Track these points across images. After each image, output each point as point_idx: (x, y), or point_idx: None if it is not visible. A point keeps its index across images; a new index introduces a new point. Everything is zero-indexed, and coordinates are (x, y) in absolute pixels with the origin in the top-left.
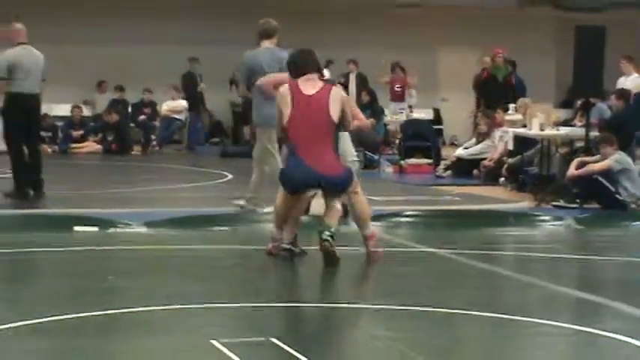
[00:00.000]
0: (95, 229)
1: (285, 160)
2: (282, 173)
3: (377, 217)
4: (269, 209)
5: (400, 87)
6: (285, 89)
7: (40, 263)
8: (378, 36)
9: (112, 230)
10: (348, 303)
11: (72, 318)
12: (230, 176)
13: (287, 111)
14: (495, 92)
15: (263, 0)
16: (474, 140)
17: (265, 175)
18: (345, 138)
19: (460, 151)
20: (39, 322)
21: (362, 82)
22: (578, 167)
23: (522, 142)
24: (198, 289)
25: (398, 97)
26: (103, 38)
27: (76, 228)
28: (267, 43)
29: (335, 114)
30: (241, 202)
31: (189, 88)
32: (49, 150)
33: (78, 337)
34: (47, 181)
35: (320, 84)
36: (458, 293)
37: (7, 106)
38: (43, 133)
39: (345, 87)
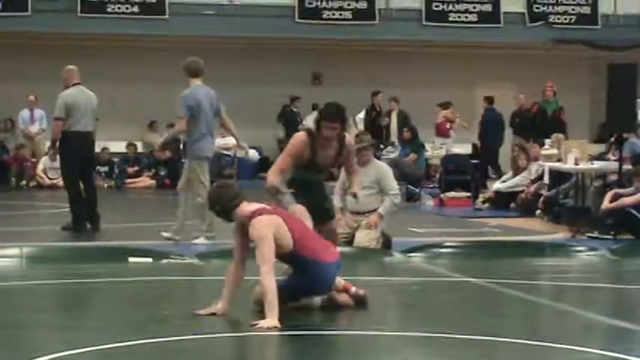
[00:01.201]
0: (149, 260)
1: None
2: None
3: (418, 248)
4: (199, 240)
5: (450, 125)
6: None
7: (96, 293)
8: (418, 74)
9: (164, 262)
10: (390, 331)
11: (125, 346)
12: None
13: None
14: (544, 126)
15: (311, 43)
16: (510, 174)
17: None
18: (388, 172)
19: (498, 185)
20: (96, 350)
21: (403, 120)
22: (612, 200)
23: (558, 176)
24: (248, 317)
25: (444, 133)
26: (157, 78)
27: (131, 259)
28: (197, 81)
29: None
30: (168, 234)
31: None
32: (105, 185)
33: None
34: (103, 214)
35: None
36: (496, 321)
37: (64, 145)
38: (100, 168)
39: (387, 124)
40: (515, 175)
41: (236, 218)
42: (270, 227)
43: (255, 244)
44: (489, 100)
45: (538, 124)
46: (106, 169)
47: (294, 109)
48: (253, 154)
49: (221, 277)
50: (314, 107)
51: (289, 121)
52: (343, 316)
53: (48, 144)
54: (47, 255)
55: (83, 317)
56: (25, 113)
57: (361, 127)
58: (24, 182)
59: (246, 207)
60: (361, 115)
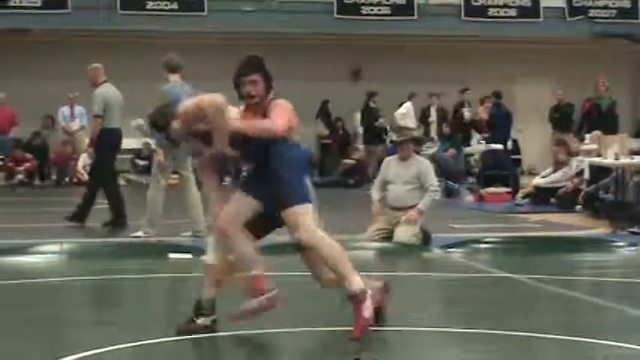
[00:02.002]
0: (189, 256)
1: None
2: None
3: (458, 244)
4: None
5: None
6: None
7: (136, 289)
8: (455, 70)
9: (204, 257)
10: (430, 326)
11: (164, 342)
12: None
13: None
14: (598, 122)
15: (350, 39)
16: (551, 169)
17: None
18: (428, 168)
19: (538, 180)
20: (135, 346)
21: (442, 115)
22: None
23: (598, 171)
24: (284, 314)
25: (481, 129)
26: (197, 75)
27: (171, 255)
28: (175, 77)
29: None
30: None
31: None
32: (144, 181)
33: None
34: (142, 209)
35: None
36: (537, 317)
37: (101, 141)
38: (139, 162)
39: (427, 119)
40: (555, 170)
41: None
42: None
43: None
44: (497, 95)
45: (593, 120)
46: (146, 162)
47: (372, 105)
48: None
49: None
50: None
51: (367, 115)
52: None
53: (87, 141)
54: (87, 251)
55: (123, 313)
56: (65, 110)
57: (409, 122)
58: (67, 179)
59: None
60: (401, 110)
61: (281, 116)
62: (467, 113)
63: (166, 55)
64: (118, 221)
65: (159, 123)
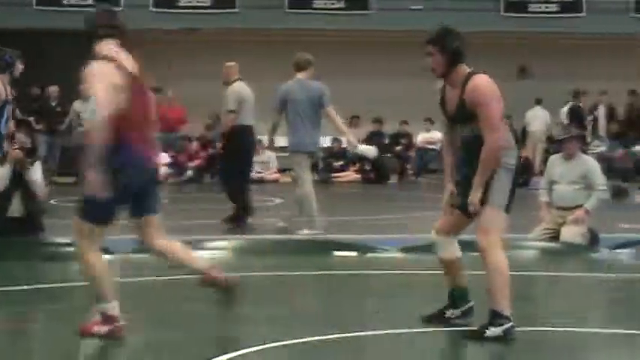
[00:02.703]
0: (354, 254)
1: None
2: None
3: (626, 244)
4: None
5: None
6: None
7: (302, 286)
8: (626, 67)
9: (369, 255)
10: (593, 328)
11: (328, 339)
12: None
13: None
14: None
15: (513, 37)
16: None
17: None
18: (595, 167)
19: None
20: (302, 342)
21: (611, 113)
22: None
23: None
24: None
25: None
26: (360, 73)
27: (337, 253)
28: (300, 75)
29: None
30: (306, 231)
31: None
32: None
33: (338, 356)
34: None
35: None
36: None
37: (232, 138)
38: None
39: (595, 118)
40: None
41: None
42: None
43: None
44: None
45: None
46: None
47: (580, 105)
48: (368, 150)
49: (424, 271)
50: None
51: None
52: (545, 312)
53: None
54: (254, 248)
55: (289, 310)
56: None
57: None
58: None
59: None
60: (566, 109)
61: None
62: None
63: (298, 54)
64: (236, 220)
65: None
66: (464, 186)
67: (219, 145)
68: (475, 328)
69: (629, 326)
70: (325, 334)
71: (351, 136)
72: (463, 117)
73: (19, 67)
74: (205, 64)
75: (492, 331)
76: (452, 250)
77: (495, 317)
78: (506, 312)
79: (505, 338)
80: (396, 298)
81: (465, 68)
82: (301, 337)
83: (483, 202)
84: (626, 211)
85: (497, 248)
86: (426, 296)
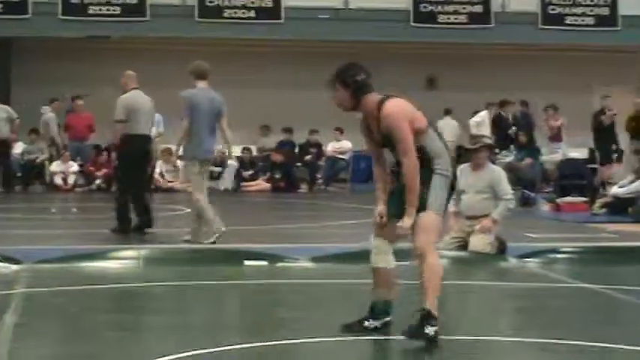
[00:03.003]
0: (264, 263)
1: None
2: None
3: (534, 254)
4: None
5: (557, 128)
6: None
7: (212, 295)
8: (533, 77)
9: (280, 265)
10: (502, 336)
11: (239, 349)
12: None
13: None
14: None
15: (426, 47)
16: (628, 179)
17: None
18: (502, 176)
19: (616, 190)
20: (210, 352)
21: (518, 124)
22: None
23: None
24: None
25: (555, 137)
26: (270, 82)
27: (246, 262)
28: (201, 84)
29: None
30: (187, 237)
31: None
32: (222, 188)
33: None
34: (221, 217)
35: None
36: (612, 328)
37: (123, 147)
38: (215, 169)
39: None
40: (635, 180)
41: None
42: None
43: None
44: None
45: None
46: (219, 169)
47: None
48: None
49: (335, 280)
50: (447, 112)
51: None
52: (454, 321)
53: (163, 147)
54: (164, 257)
55: (198, 319)
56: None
57: (483, 131)
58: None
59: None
60: (476, 118)
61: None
62: (607, 119)
63: (194, 62)
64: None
65: None
66: (399, 194)
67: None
68: (412, 326)
69: (536, 334)
70: (237, 344)
71: (231, 149)
72: (390, 143)
73: None
74: (114, 72)
75: (430, 330)
76: (386, 260)
77: (430, 317)
78: (435, 312)
79: (435, 340)
80: (307, 308)
81: (374, 97)
82: (212, 347)
83: (421, 207)
84: (533, 220)
85: (434, 251)
86: (336, 306)
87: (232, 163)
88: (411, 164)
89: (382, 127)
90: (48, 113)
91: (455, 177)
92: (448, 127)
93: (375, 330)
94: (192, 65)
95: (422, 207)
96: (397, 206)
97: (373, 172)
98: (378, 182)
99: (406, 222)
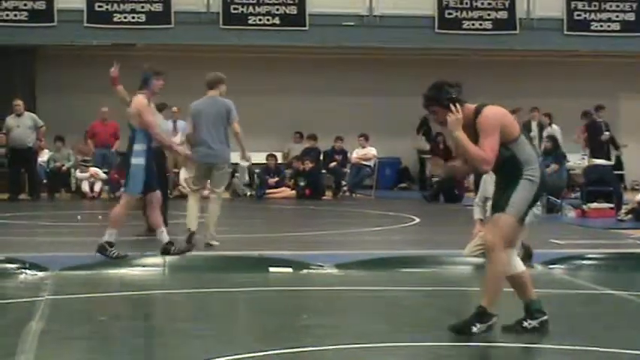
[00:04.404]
0: (289, 270)
1: None
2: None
3: (559, 260)
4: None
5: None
6: None
7: (237, 303)
8: (558, 83)
9: (304, 272)
10: (527, 343)
11: (264, 355)
12: (417, 220)
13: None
14: None
15: (451, 53)
16: None
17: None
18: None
19: None
20: (235, 359)
21: (543, 130)
22: None
23: None
24: (385, 328)
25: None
26: (296, 89)
27: (271, 269)
28: (211, 93)
29: None
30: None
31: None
32: (248, 193)
33: None
34: (244, 224)
35: None
36: (637, 334)
37: None
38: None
39: (529, 133)
40: None
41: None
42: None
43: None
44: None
45: None
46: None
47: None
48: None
49: (360, 287)
50: None
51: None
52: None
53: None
54: (189, 265)
55: (223, 326)
56: (168, 124)
57: None
58: (168, 192)
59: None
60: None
61: (491, 148)
62: (606, 134)
63: (211, 73)
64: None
65: None
66: (501, 192)
67: None
68: (462, 321)
69: (562, 341)
70: (262, 350)
71: (246, 153)
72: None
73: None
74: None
75: (479, 328)
76: (512, 267)
77: (484, 315)
78: (493, 310)
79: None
80: (331, 315)
81: (470, 107)
82: (237, 354)
83: (502, 207)
84: (559, 226)
85: (502, 251)
86: (362, 312)
87: (243, 164)
88: (480, 160)
89: (478, 130)
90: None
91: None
92: None
93: (535, 329)
94: (206, 76)
95: (502, 207)
96: (500, 200)
97: None
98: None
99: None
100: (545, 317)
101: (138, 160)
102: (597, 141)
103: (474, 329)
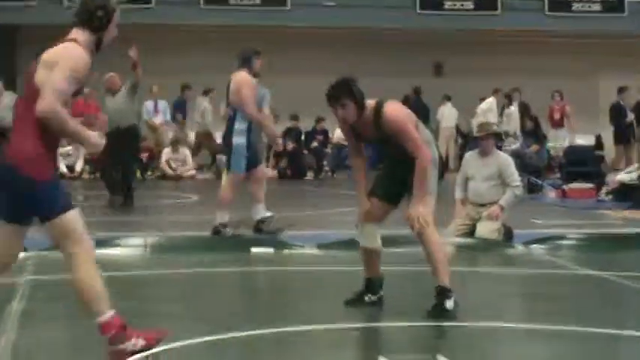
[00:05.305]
0: (271, 250)
1: None
2: None
3: (540, 240)
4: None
5: (560, 114)
6: None
7: (218, 283)
8: (539, 64)
9: (286, 252)
10: (507, 322)
11: (245, 335)
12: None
13: None
14: None
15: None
16: (635, 165)
17: None
18: (509, 163)
19: (622, 176)
20: (215, 339)
21: (524, 110)
22: None
23: None
24: (368, 309)
25: (557, 124)
26: (278, 70)
27: (253, 249)
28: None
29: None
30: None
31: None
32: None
33: (251, 353)
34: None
35: None
36: (620, 314)
37: None
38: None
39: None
40: None
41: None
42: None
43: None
44: (416, 90)
45: None
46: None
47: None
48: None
49: (341, 267)
50: (447, 98)
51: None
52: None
53: (171, 135)
54: (170, 245)
55: (204, 306)
56: (149, 104)
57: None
58: (149, 173)
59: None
60: (483, 105)
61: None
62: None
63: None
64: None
65: None
66: (388, 178)
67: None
68: (434, 305)
69: (543, 321)
70: (245, 330)
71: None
72: (388, 140)
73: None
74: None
75: (449, 304)
76: (375, 240)
77: (445, 291)
78: (449, 285)
79: (457, 306)
80: (313, 295)
81: (370, 104)
82: (220, 334)
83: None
84: (540, 206)
85: (434, 228)
86: (344, 292)
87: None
88: (425, 157)
89: (385, 129)
90: (204, 104)
91: (442, 161)
92: (448, 113)
93: (373, 304)
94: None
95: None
96: (386, 188)
97: (352, 166)
98: (358, 178)
99: (419, 209)
100: (382, 293)
101: (240, 140)
102: (623, 124)
103: (448, 305)
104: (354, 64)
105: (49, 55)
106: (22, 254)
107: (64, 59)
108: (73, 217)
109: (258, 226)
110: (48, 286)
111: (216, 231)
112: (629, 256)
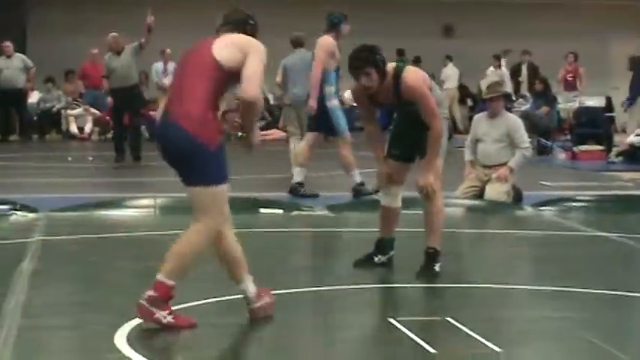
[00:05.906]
0: (280, 211)
1: None
2: None
3: (550, 202)
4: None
5: (572, 76)
6: None
7: None
8: (550, 25)
9: (295, 213)
10: (518, 284)
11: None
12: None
13: None
14: None
15: None
16: None
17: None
18: (519, 125)
19: (632, 138)
20: (225, 300)
21: (533, 72)
22: None
23: None
24: (378, 269)
25: (569, 86)
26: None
27: (262, 210)
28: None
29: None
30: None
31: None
32: (239, 135)
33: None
34: (234, 166)
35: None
36: (628, 276)
37: None
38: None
39: (518, 76)
40: None
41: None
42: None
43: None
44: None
45: None
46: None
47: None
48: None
49: (351, 229)
50: (449, 59)
51: None
52: (471, 270)
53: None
54: (180, 206)
55: (214, 267)
56: (158, 66)
57: (493, 78)
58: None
59: None
60: (492, 68)
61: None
62: None
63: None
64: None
65: None
66: (401, 139)
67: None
68: (422, 267)
69: (552, 282)
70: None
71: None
72: (405, 105)
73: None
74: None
75: (438, 267)
76: (397, 200)
77: (437, 254)
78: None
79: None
80: (322, 256)
81: (389, 70)
82: (227, 295)
83: (425, 155)
84: (549, 168)
85: (440, 193)
86: (353, 254)
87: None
88: (439, 125)
89: (404, 96)
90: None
91: (450, 121)
92: (451, 73)
93: (383, 265)
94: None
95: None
96: (401, 149)
97: (367, 133)
98: (375, 142)
99: (430, 178)
100: (392, 254)
101: (333, 103)
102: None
103: (437, 268)
104: (362, 26)
105: (238, 39)
106: (32, 215)
107: (255, 49)
108: (220, 192)
109: (357, 188)
110: (58, 246)
111: (357, 191)
112: (637, 217)
